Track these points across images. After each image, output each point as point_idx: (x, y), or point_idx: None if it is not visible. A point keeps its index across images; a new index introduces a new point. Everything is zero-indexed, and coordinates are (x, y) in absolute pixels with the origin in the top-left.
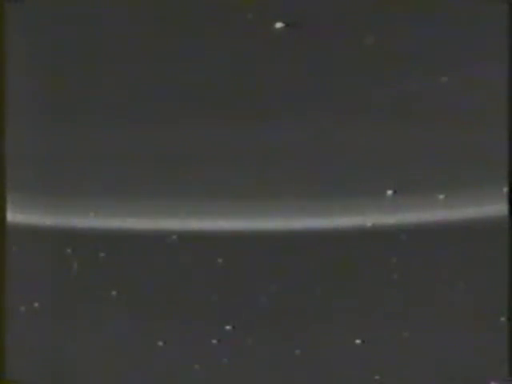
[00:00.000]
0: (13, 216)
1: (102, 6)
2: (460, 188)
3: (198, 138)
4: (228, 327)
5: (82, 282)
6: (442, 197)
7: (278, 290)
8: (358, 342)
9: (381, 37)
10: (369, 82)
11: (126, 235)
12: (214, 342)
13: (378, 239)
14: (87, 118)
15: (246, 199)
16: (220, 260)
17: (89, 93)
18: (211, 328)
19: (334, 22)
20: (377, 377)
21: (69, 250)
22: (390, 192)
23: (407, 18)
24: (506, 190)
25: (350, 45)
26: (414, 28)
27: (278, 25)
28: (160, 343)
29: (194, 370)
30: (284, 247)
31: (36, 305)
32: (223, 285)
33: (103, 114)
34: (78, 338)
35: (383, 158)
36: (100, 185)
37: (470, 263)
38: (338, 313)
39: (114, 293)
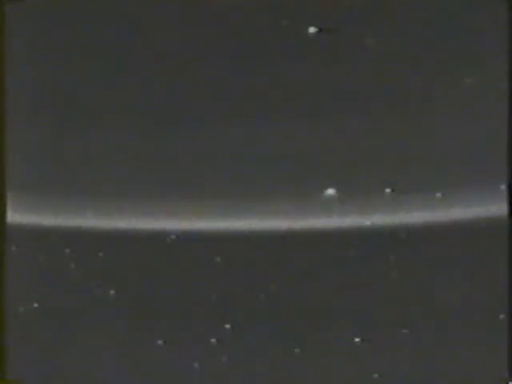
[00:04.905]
0: (13, 216)
1: (104, 6)
2: (458, 187)
3: (198, 139)
4: (227, 326)
5: (81, 282)
6: (439, 195)
7: (278, 288)
8: (357, 340)
9: (380, 38)
10: (369, 82)
11: (125, 235)
12: (213, 341)
13: (376, 238)
14: (87, 119)
15: (245, 199)
16: (219, 259)
17: (89, 93)
18: (210, 327)
19: (366, 25)
20: (376, 375)
21: (68, 250)
22: (388, 190)
23: (408, 18)
24: (504, 188)
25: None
26: (414, 28)
27: (312, 29)
28: (160, 342)
29: (194, 369)
30: (283, 247)
31: (35, 305)
32: (222, 284)
33: (103, 114)
34: (78, 337)
35: (381, 157)
36: (100, 185)
37: (469, 261)
38: (337, 311)
39: (112, 292)
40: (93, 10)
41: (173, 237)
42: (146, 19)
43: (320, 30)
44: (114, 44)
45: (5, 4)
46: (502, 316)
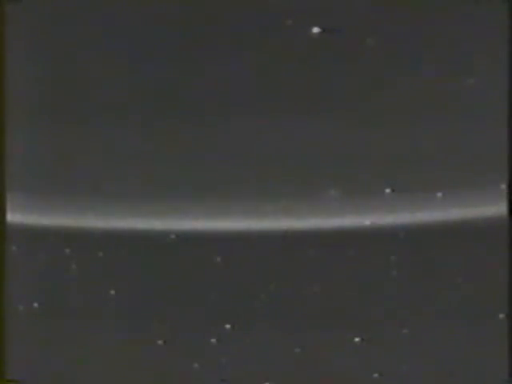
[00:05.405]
0: (13, 216)
1: (104, 5)
2: (458, 186)
3: (198, 138)
4: (227, 326)
5: (81, 282)
6: (440, 195)
7: (278, 288)
8: (357, 340)
9: (381, 38)
10: (369, 83)
11: (125, 235)
12: (213, 341)
13: (376, 238)
14: (87, 119)
15: (245, 199)
16: (219, 259)
17: (89, 93)
18: (210, 327)
19: (371, 25)
20: (376, 375)
21: (68, 250)
22: (388, 190)
23: (408, 18)
24: (504, 188)
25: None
26: (414, 28)
27: (315, 30)
28: (160, 342)
29: (194, 369)
30: (283, 247)
31: (35, 305)
32: (222, 284)
33: (103, 114)
34: (78, 337)
35: (381, 156)
36: (100, 185)
37: (469, 261)
38: (337, 311)
39: (112, 292)
40: (93, 10)
41: (173, 237)
42: (147, 19)
43: (323, 31)
44: (114, 43)
45: (5, 4)
46: (501, 316)
